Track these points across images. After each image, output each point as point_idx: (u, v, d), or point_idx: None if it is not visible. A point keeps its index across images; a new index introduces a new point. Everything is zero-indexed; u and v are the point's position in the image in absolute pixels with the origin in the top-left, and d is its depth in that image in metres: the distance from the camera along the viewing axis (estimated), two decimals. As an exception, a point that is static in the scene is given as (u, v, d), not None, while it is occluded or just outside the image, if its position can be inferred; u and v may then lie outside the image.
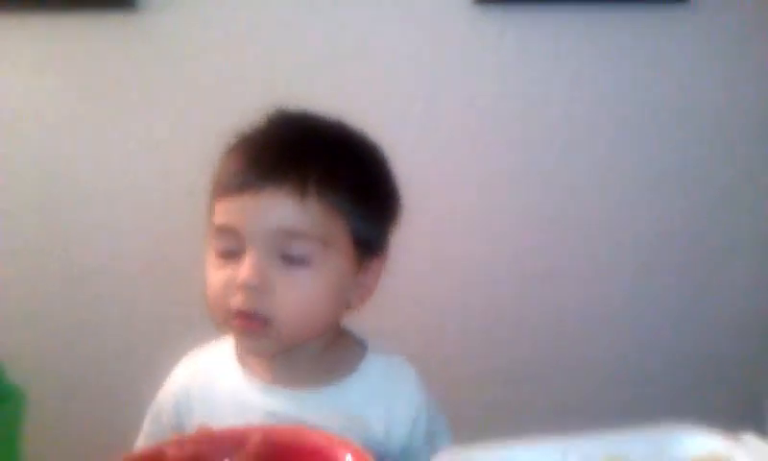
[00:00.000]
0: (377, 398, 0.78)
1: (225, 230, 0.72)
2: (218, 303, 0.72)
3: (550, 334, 1.50)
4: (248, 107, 0.78)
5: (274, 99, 0.79)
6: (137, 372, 1.37)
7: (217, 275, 0.72)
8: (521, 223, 1.48)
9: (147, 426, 0.82)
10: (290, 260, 0.71)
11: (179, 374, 0.82)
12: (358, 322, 0.82)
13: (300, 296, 0.71)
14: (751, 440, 0.55)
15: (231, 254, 0.72)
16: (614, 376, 1.53)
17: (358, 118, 0.78)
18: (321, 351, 0.77)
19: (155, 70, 1.42)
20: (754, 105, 1.48)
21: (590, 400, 1.50)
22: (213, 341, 0.84)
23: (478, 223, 1.47)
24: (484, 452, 0.53)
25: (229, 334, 0.78)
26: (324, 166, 0.73)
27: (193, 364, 0.82)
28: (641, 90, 1.47)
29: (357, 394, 0.77)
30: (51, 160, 1.45)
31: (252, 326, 0.71)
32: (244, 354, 0.79)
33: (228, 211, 0.72)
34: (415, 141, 1.42)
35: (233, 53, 1.41)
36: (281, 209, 0.70)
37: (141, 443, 0.81)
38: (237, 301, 0.70)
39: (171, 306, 1.44)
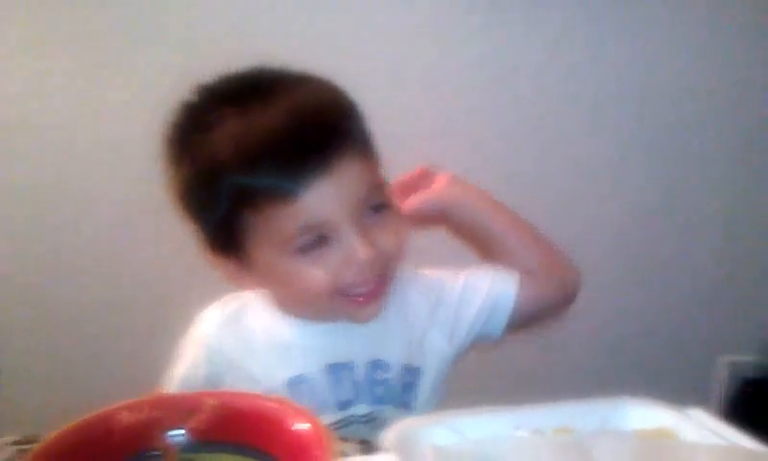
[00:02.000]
0: (405, 316, 0.82)
1: (314, 226, 0.70)
2: (329, 291, 0.72)
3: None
4: (242, 62, 0.76)
5: (269, 57, 0.75)
6: (112, 337, 1.36)
7: (314, 268, 0.71)
8: (509, 190, 1.48)
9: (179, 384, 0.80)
10: (375, 209, 0.73)
11: (209, 326, 0.81)
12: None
13: (397, 237, 0.74)
14: (697, 414, 0.57)
15: (320, 241, 0.70)
16: (568, 348, 1.55)
17: (351, 81, 0.75)
18: None
19: (147, 22, 1.40)
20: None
21: (546, 371, 1.53)
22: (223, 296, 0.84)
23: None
24: (434, 425, 0.53)
25: (338, 311, 0.76)
26: (349, 112, 0.74)
27: (224, 314, 0.82)
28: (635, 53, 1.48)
29: (383, 319, 0.79)
30: (43, 110, 1.42)
31: (378, 288, 0.74)
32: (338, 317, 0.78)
33: (308, 207, 0.68)
34: (405, 111, 1.42)
35: (229, 8, 1.39)
36: (358, 173, 0.71)
37: None
38: (356, 276, 0.71)
39: (155, 264, 1.42)
